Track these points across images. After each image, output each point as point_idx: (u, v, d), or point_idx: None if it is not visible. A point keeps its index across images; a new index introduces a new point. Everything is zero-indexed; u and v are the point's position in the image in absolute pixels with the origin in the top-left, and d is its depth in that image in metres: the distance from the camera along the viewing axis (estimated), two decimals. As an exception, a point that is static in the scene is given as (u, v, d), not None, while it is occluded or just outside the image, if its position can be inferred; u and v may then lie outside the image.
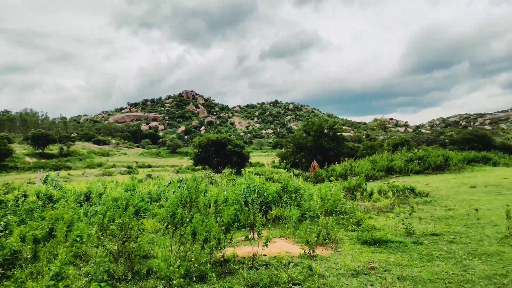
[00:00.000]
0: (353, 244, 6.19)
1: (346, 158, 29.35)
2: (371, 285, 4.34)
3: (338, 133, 59.83)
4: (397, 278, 4.45)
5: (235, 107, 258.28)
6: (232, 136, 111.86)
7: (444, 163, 22.91)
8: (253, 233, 6.61)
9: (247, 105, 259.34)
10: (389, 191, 12.34)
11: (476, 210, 8.52)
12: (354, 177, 23.67)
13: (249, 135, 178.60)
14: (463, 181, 17.52)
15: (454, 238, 6.19)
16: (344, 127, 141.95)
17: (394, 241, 6.15)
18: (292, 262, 5.28)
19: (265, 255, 5.61)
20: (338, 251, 5.84)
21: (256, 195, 9.30)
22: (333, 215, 8.27)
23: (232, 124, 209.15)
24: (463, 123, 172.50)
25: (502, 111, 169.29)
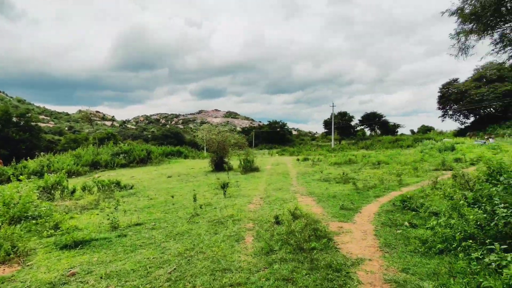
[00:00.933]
0: (49, 252, 5.29)
1: (42, 153, 25.28)
2: (70, 294, 3.84)
3: (33, 123, 50.57)
4: (101, 278, 4.21)
5: None
6: None
7: (147, 157, 25.00)
8: None
9: None
10: (94, 187, 11.77)
11: (172, 197, 9.83)
12: (52, 174, 20.85)
13: None
14: (162, 172, 19.89)
15: (154, 224, 6.77)
16: (42, 117, 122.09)
17: (99, 238, 5.85)
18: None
19: None
20: (27, 265, 4.77)
21: None
22: (23, 222, 6.74)
23: None
24: (163, 121, 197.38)
25: (191, 114, 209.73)
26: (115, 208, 8.41)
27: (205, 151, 32.35)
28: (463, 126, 51.06)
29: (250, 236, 5.68)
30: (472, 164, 16.08)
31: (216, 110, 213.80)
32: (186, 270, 4.33)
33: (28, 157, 22.52)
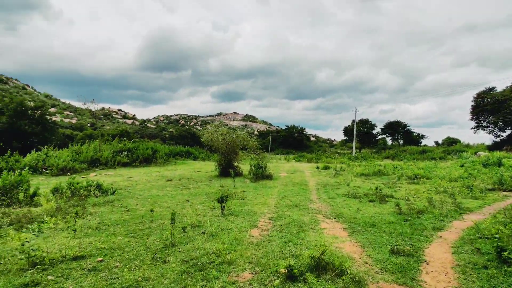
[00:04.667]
0: None
1: (47, 146, 23.69)
2: None
3: (48, 116, 49.90)
4: None
5: None
6: None
7: (152, 156, 22.91)
8: None
9: None
10: (67, 190, 9.59)
11: (151, 211, 7.46)
12: (45, 170, 19.03)
13: None
14: (164, 173, 17.67)
15: (101, 260, 4.39)
16: (66, 112, 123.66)
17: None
18: None
19: None
20: None
21: None
22: None
23: None
24: (182, 121, 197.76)
25: (210, 116, 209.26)
26: (74, 224, 6.14)
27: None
28: (498, 139, 46.71)
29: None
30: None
31: (235, 113, 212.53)
32: None
33: (33, 150, 20.96)
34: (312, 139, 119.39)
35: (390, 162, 29.49)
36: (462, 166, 19.76)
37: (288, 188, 12.30)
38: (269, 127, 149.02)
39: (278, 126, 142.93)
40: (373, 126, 77.93)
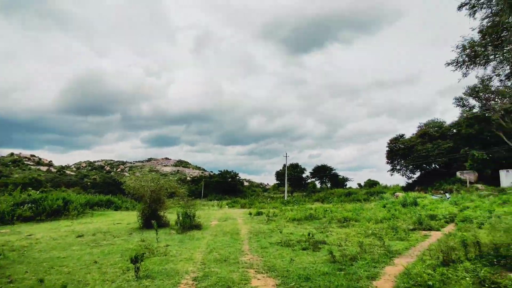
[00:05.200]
0: None
1: None
2: None
3: None
4: None
5: None
6: None
7: (63, 207, 19.94)
8: None
9: None
10: None
11: (41, 281, 5.90)
12: None
13: None
14: (75, 228, 15.24)
15: None
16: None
17: None
18: None
19: None
20: None
21: None
22: None
23: None
24: (108, 168, 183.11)
25: (140, 161, 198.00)
26: None
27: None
28: (410, 181, 52.05)
29: None
30: (447, 221, 14.16)
31: (166, 158, 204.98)
32: None
33: None
34: (246, 183, 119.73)
35: (320, 204, 30.29)
36: (384, 206, 21.00)
37: (218, 238, 11.32)
38: (202, 173, 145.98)
39: (212, 172, 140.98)
40: (303, 170, 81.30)
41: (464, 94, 35.20)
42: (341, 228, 12.83)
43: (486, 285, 4.90)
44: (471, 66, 8.15)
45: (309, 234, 10.61)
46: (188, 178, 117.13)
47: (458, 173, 40.71)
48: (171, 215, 16.47)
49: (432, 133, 47.59)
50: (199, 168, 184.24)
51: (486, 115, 33.44)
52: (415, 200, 21.17)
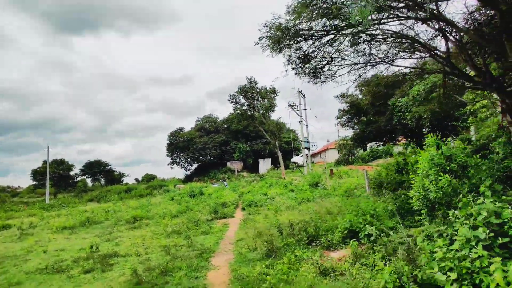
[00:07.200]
0: None
1: None
2: None
3: None
4: None
5: None
6: None
7: None
8: None
9: None
10: None
11: None
12: None
13: None
14: None
15: None
16: None
17: None
18: None
19: None
20: None
21: None
22: None
23: None
24: None
25: None
26: None
27: None
28: (189, 173, 54.69)
29: None
30: (235, 207, 14.75)
31: None
32: None
33: None
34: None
35: (97, 205, 25.88)
36: (173, 199, 20.06)
37: None
38: None
39: None
40: (70, 167, 69.12)
41: (236, 92, 40.11)
42: (132, 231, 10.52)
43: (327, 273, 4.39)
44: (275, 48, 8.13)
45: (91, 247, 7.78)
46: None
47: (228, 163, 46.24)
48: None
49: (207, 127, 51.84)
50: None
51: (252, 112, 39.41)
52: (201, 190, 21.52)
